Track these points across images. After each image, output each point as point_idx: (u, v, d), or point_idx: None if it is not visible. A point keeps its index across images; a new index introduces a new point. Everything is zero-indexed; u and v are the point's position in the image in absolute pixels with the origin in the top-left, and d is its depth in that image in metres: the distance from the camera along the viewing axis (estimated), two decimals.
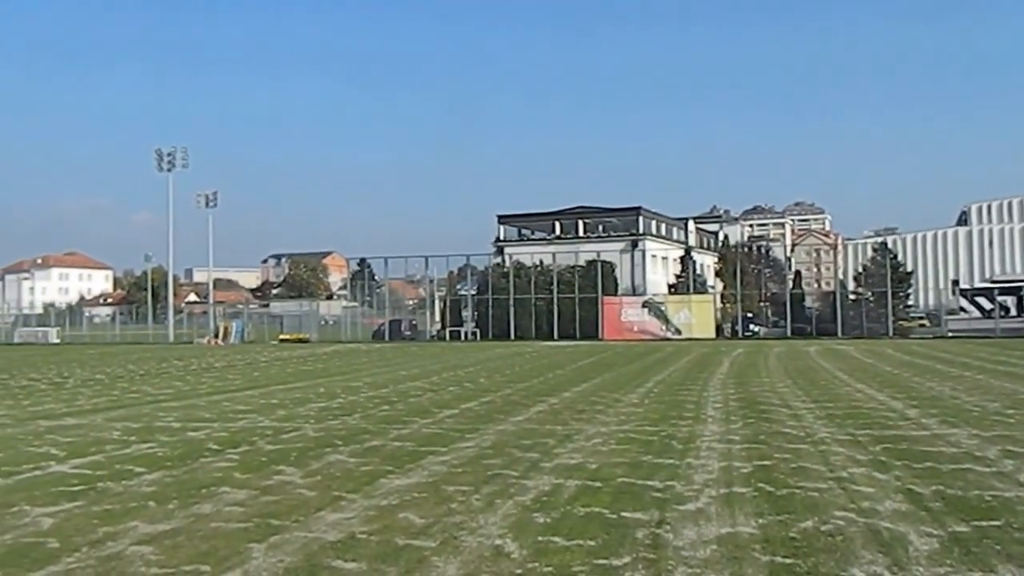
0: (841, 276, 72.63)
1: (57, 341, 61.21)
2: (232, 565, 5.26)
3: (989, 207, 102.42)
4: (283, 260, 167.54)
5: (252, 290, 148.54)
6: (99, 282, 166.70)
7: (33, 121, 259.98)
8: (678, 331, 48.84)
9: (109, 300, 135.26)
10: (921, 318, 54.16)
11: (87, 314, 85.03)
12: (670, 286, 59.92)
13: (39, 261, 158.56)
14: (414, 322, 59.21)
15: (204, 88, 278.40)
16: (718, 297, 56.68)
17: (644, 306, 50.86)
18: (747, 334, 49.25)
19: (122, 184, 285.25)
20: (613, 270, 54.27)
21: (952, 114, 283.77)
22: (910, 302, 54.56)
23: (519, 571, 5.05)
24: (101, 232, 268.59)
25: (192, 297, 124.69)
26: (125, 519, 6.49)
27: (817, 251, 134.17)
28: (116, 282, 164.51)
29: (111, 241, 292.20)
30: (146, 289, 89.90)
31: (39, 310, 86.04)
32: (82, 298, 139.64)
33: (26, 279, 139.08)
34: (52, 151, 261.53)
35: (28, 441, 10.89)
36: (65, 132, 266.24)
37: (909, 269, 58.96)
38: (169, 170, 62.66)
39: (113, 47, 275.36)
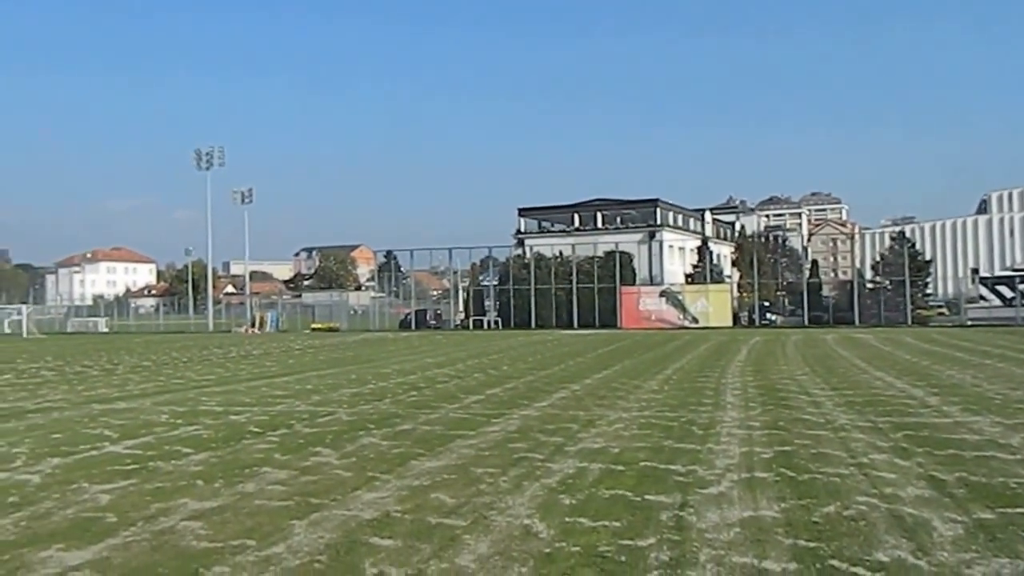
0: (858, 265, 71.89)
1: (106, 330, 62.14)
2: (276, 540, 5.34)
3: (1010, 195, 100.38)
4: (314, 253, 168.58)
5: (285, 282, 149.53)
6: (143, 275, 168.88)
7: (84, 126, 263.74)
8: (695, 320, 48.60)
9: (153, 292, 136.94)
10: (940, 306, 53.34)
11: (133, 305, 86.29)
12: (687, 276, 59.56)
13: (89, 256, 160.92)
14: (439, 311, 59.45)
15: (240, 89, 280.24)
16: (735, 286, 56.26)
17: (662, 295, 50.65)
18: (764, 323, 48.90)
19: (165, 183, 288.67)
20: (631, 260, 54.09)
21: (971, 102, 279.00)
22: (929, 291, 53.74)
23: (548, 550, 5.06)
24: (145, 228, 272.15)
25: (229, 289, 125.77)
26: (175, 496, 6.61)
27: (834, 240, 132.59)
28: (159, 275, 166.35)
29: (155, 237, 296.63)
30: (187, 281, 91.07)
31: (89, 302, 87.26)
32: (128, 290, 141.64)
33: (77, 272, 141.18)
34: (101, 154, 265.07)
35: (84, 423, 11.09)
36: (113, 135, 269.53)
37: (928, 258, 57.97)
38: (207, 169, 63.40)
39: (158, 53, 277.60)
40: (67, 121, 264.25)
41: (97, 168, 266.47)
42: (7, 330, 60.41)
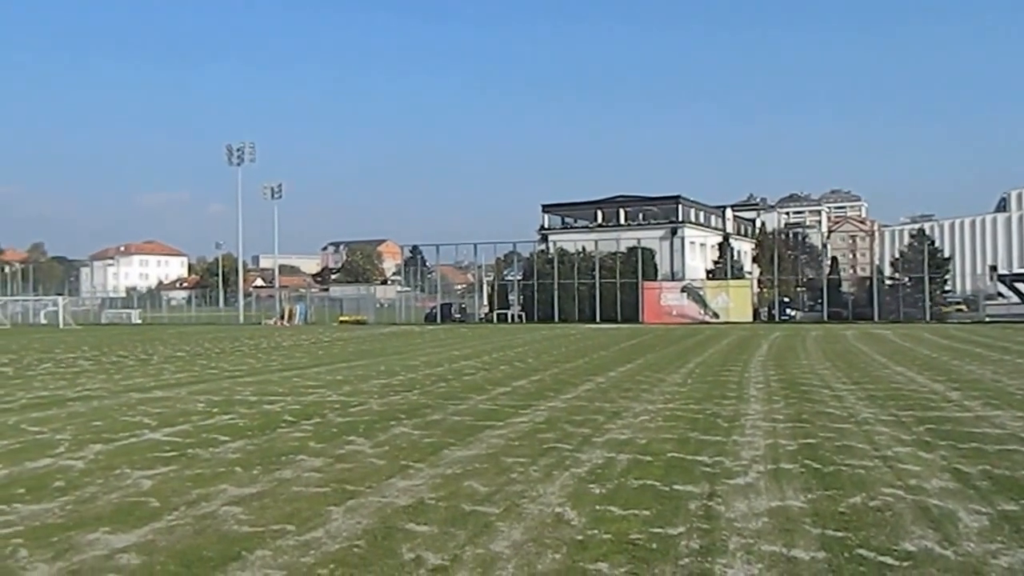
0: (877, 262, 70.99)
1: (139, 322, 62.97)
2: (315, 525, 5.40)
3: None
4: (341, 247, 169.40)
5: (313, 275, 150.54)
6: (175, 268, 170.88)
7: (118, 121, 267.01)
8: (716, 315, 48.32)
9: (184, 284, 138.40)
10: (959, 303, 52.67)
11: (165, 297, 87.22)
12: (708, 272, 59.26)
13: (122, 249, 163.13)
14: (463, 305, 59.61)
15: (271, 85, 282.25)
16: (755, 282, 55.90)
17: (683, 291, 50.41)
18: (783, 318, 48.55)
19: (197, 178, 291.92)
20: (653, 256, 53.86)
21: (991, 100, 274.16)
22: (948, 287, 53.04)
23: (580, 537, 5.09)
24: (177, 222, 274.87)
25: (259, 282, 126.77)
26: (215, 482, 6.70)
27: (853, 238, 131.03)
28: (190, 268, 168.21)
29: (186, 231, 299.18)
30: (217, 274, 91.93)
31: (122, 294, 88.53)
32: (160, 283, 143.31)
33: (111, 265, 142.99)
34: (134, 149, 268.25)
35: (123, 411, 11.26)
36: (146, 131, 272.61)
37: (947, 255, 57.21)
38: (239, 164, 63.94)
39: (190, 49, 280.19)
40: (102, 116, 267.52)
41: (131, 163, 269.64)
42: (44, 321, 61.45)
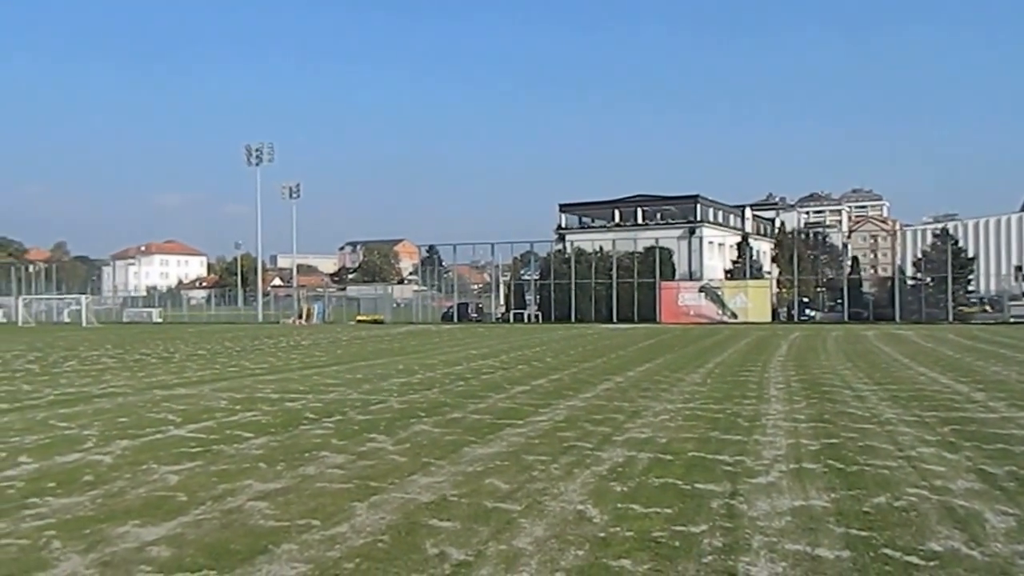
0: (899, 262, 70.32)
1: (160, 320, 63.53)
2: (339, 520, 5.47)
3: None
4: (358, 247, 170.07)
5: (330, 275, 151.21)
6: (195, 267, 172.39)
7: (139, 123, 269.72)
8: (734, 315, 48.10)
9: (204, 284, 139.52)
10: (983, 304, 52.07)
11: (185, 296, 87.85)
12: (727, 271, 58.94)
13: (143, 248, 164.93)
14: (480, 305, 59.72)
15: (288, 85, 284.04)
16: (774, 282, 55.57)
17: (701, 291, 50.22)
18: (803, 318, 48.25)
19: (215, 179, 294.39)
20: (671, 256, 53.71)
21: (1014, 99, 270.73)
22: (971, 288, 52.46)
23: (602, 534, 5.11)
24: (197, 222, 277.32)
25: (277, 281, 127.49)
26: (240, 478, 6.79)
27: (874, 237, 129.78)
28: (210, 267, 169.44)
29: (205, 230, 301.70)
30: (236, 274, 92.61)
31: (143, 293, 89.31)
32: (180, 282, 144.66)
33: (131, 265, 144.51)
34: (153, 150, 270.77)
35: (147, 408, 11.41)
36: (164, 132, 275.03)
37: (971, 255, 56.52)
38: (257, 164, 64.34)
39: (208, 50, 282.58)
40: (121, 117, 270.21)
41: (150, 164, 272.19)
42: (67, 319, 62.22)
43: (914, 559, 4.60)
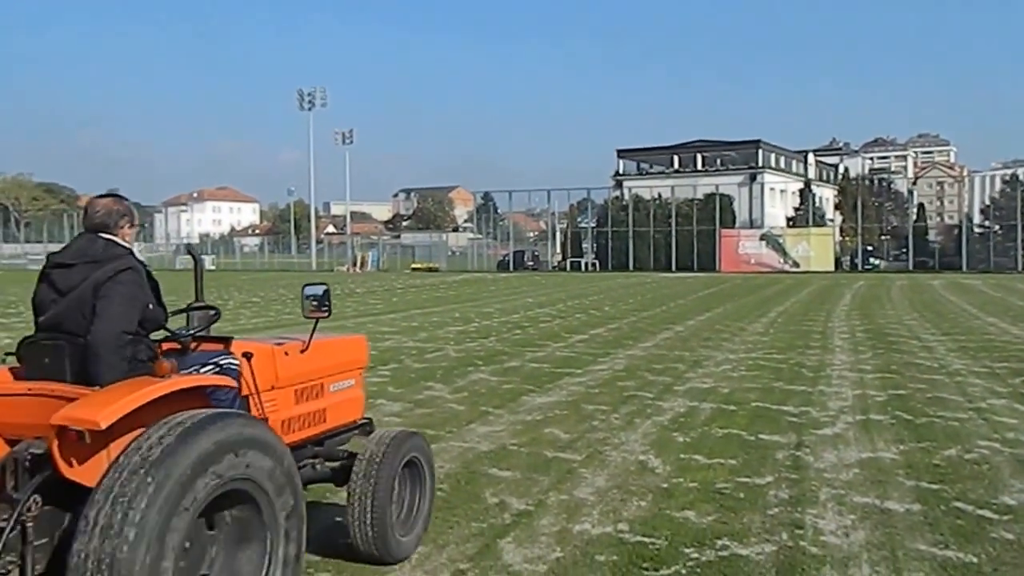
0: (967, 209, 67.84)
1: (212, 268, 64.91)
2: None
3: None
4: (412, 194, 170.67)
5: (384, 222, 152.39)
6: (247, 214, 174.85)
7: (193, 71, 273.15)
8: (796, 264, 47.19)
9: (256, 231, 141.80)
10: None
11: (238, 244, 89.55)
12: (788, 219, 57.69)
13: (195, 195, 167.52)
14: (536, 253, 59.59)
15: (341, 32, 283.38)
16: (837, 230, 54.23)
17: (762, 239, 49.30)
18: (867, 267, 47.13)
19: (268, 124, 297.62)
20: (731, 203, 52.75)
21: None
22: None
23: (665, 485, 5.10)
24: (250, 168, 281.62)
25: (330, 228, 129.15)
26: None
27: (941, 184, 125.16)
28: (262, 214, 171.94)
29: (258, 177, 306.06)
30: (289, 221, 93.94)
31: (196, 239, 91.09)
32: (233, 229, 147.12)
33: (184, 211, 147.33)
34: (209, 96, 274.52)
35: None
36: (221, 78, 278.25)
37: None
38: (310, 109, 64.65)
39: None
40: (175, 64, 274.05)
41: (203, 110, 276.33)
42: None
43: (987, 512, 4.51)
